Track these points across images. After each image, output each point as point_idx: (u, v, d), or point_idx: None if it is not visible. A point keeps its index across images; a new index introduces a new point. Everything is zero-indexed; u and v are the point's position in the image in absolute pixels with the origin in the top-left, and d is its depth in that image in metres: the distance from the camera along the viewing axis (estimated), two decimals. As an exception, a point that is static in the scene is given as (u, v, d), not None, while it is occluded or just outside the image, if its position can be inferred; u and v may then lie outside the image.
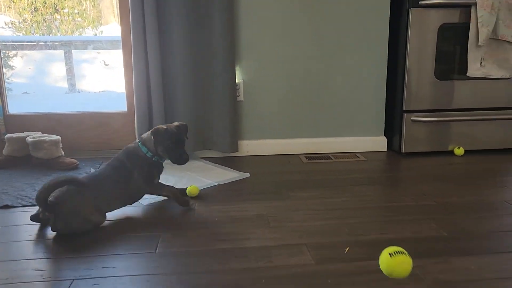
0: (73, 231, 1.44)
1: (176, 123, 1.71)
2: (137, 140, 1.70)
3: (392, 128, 2.47)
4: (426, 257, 1.26)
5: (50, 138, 2.17)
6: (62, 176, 1.44)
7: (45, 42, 3.86)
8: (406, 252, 1.08)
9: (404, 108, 2.33)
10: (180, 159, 1.67)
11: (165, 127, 1.65)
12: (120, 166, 1.61)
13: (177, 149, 1.66)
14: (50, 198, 1.40)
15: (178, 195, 1.70)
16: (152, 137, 1.63)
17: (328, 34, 2.35)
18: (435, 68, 2.27)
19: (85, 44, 3.99)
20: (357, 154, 2.43)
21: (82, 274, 1.19)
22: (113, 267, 1.23)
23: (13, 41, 3.73)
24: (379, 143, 2.50)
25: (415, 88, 2.29)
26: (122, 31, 2.33)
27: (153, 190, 1.70)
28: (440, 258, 1.25)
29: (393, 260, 1.07)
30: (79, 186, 1.46)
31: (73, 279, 1.16)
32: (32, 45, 3.92)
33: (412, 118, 2.32)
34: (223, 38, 2.19)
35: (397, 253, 1.08)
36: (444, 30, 2.24)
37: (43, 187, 1.38)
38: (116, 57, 4.02)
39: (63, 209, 1.41)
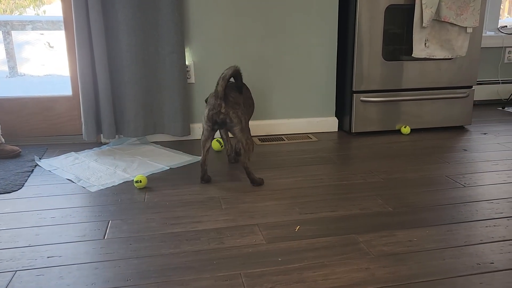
0: None
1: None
2: None
3: (342, 109, 2.52)
4: (372, 232, 1.31)
5: (-12, 124, 2.04)
6: None
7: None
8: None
9: (353, 89, 2.38)
10: None
11: None
12: None
13: None
14: None
15: None
16: None
17: (277, 14, 2.34)
18: (382, 49, 2.33)
19: (23, 24, 3.74)
20: (309, 135, 2.47)
21: (25, 265, 1.14)
22: (60, 256, 1.19)
23: None
24: (330, 123, 2.55)
25: (364, 69, 2.35)
26: (63, 10, 2.20)
27: None
28: (385, 231, 1.31)
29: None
30: None
31: (16, 271, 1.11)
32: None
33: (361, 99, 2.38)
34: (171, 17, 2.13)
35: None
36: (391, 11, 2.29)
37: None
38: (61, 39, 3.82)
39: None
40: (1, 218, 1.42)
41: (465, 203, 1.51)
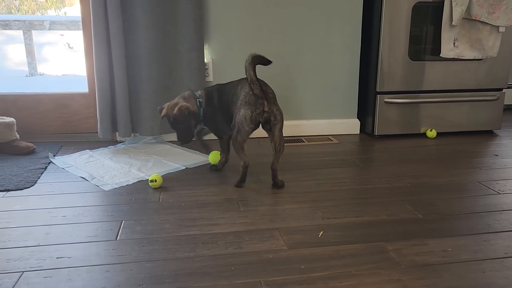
0: None
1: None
2: None
3: (365, 110, 2.42)
4: (402, 240, 1.22)
5: (3, 120, 2.01)
6: None
7: (2, 21, 3.60)
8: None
9: (377, 90, 2.28)
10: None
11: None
12: None
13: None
14: None
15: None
16: None
17: (299, 12, 2.26)
18: (409, 48, 2.23)
19: (43, 25, 3.74)
20: (330, 137, 2.38)
21: (33, 266, 1.08)
22: (69, 257, 1.13)
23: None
24: (352, 125, 2.46)
25: (389, 69, 2.25)
26: (82, 9, 2.16)
27: None
28: (416, 240, 1.21)
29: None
30: None
31: (23, 271, 1.05)
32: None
33: (385, 100, 2.28)
34: (190, 14, 2.07)
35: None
36: (418, 9, 2.19)
37: None
38: (80, 40, 3.83)
39: None
40: (11, 215, 1.37)
41: (501, 211, 1.40)
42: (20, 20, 3.69)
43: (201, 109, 1.67)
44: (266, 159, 1.95)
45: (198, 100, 1.67)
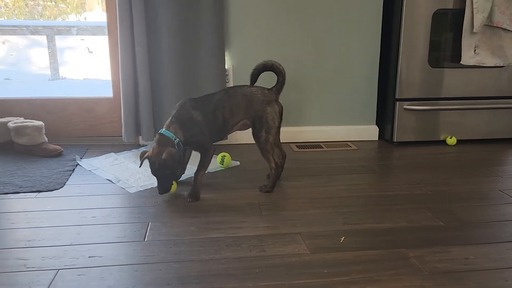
0: None
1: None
2: None
3: (383, 117, 2.44)
4: (423, 247, 1.23)
5: (33, 123, 2.08)
6: None
7: (27, 27, 3.72)
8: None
9: (396, 96, 2.29)
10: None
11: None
12: None
13: None
14: None
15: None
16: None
17: (319, 19, 2.29)
18: (429, 55, 2.24)
19: (67, 29, 3.85)
20: (348, 143, 2.40)
21: (68, 264, 1.13)
22: (100, 257, 1.17)
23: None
24: (370, 132, 2.47)
25: (408, 76, 2.26)
26: (108, 17, 2.23)
27: None
28: (438, 247, 1.23)
29: None
30: None
31: (58, 269, 1.11)
32: (14, 30, 3.77)
33: (404, 107, 2.29)
34: (212, 20, 2.12)
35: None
36: (439, 16, 2.20)
37: None
38: (100, 44, 3.89)
39: None
40: (44, 215, 1.43)
41: (523, 220, 1.41)
42: (46, 26, 3.80)
43: (180, 143, 1.57)
44: (285, 164, 1.97)
45: (175, 140, 1.55)
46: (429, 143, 2.36)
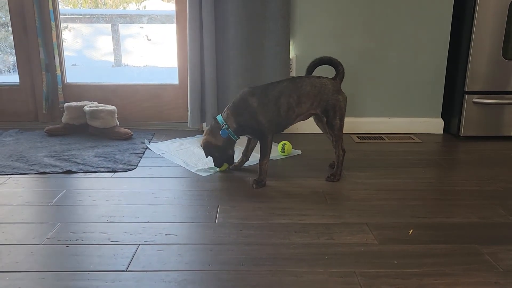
0: None
1: None
2: None
3: (450, 110, 2.35)
4: (496, 244, 1.20)
5: (106, 108, 2.21)
6: None
7: (92, 15, 3.91)
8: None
9: (465, 89, 2.21)
10: None
11: None
12: None
13: None
14: None
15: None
16: None
17: (384, 7, 2.24)
18: (503, 46, 2.13)
19: (132, 18, 4.01)
20: (411, 136, 2.34)
21: (147, 240, 1.21)
22: (176, 235, 1.25)
23: (69, 14, 3.80)
24: (435, 125, 2.40)
25: (480, 68, 2.17)
26: (177, 5, 2.31)
27: None
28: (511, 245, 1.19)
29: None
30: None
31: (139, 244, 1.19)
32: (79, 18, 3.98)
33: (473, 100, 2.21)
34: (278, 10, 2.14)
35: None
36: (517, 6, 2.09)
37: None
38: (159, 32, 4.01)
39: None
40: (121, 194, 1.53)
41: None
42: (112, 14, 3.98)
43: (229, 131, 1.62)
44: (347, 155, 1.97)
45: (224, 126, 1.61)
46: (498, 138, 2.26)
